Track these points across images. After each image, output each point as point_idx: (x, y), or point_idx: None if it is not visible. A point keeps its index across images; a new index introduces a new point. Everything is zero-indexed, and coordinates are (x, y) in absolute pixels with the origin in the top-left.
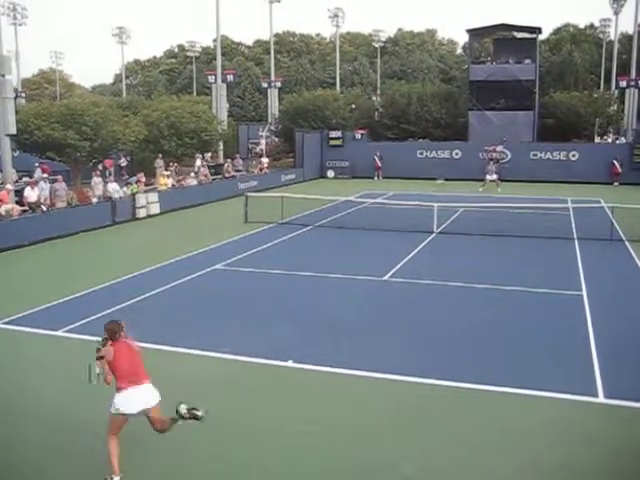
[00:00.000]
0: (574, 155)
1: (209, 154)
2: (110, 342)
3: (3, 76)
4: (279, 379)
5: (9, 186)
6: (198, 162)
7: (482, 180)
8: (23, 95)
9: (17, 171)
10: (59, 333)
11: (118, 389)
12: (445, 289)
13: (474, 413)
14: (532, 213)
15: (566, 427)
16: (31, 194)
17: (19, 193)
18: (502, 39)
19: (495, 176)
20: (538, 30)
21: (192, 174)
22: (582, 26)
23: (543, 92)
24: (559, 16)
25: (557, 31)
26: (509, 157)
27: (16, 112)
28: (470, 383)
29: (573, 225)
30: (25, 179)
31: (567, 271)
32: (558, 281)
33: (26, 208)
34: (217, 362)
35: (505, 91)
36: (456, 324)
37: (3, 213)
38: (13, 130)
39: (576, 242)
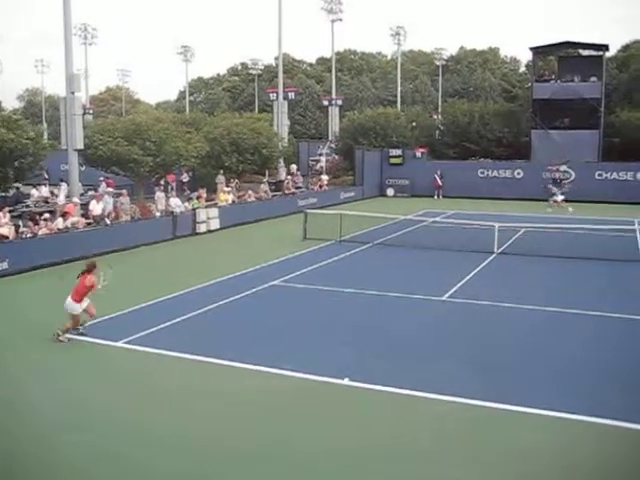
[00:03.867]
0: None
1: (293, 165)
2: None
3: (73, 93)
4: (334, 397)
5: (75, 199)
6: (282, 174)
7: (545, 201)
8: (91, 111)
9: (83, 185)
10: (119, 344)
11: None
12: (505, 311)
13: (538, 440)
14: (596, 234)
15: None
16: (96, 207)
17: (84, 206)
18: (567, 57)
19: (561, 197)
20: (605, 47)
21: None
22: None
23: (609, 111)
24: (628, 32)
25: (625, 48)
26: (573, 177)
27: (84, 128)
28: (529, 407)
29: None
30: (90, 193)
31: (632, 295)
32: (624, 305)
33: (91, 221)
34: (276, 378)
35: (569, 110)
36: (516, 347)
37: (69, 225)
38: (81, 145)
39: None
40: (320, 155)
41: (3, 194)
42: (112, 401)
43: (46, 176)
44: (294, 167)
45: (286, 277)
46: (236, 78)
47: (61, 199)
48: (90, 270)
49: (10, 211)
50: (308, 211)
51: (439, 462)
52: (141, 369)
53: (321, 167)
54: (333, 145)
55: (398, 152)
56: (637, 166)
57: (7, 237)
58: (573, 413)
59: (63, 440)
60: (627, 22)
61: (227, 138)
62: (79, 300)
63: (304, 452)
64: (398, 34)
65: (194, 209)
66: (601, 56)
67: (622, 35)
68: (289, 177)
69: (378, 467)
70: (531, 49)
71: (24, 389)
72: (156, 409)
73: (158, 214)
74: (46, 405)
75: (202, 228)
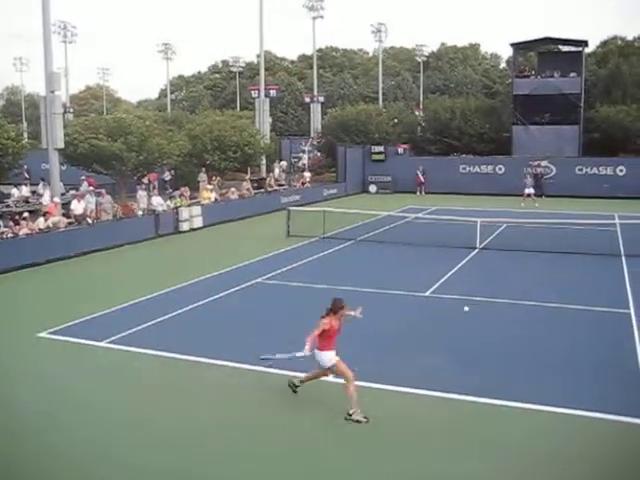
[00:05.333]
0: (621, 170)
1: (283, 162)
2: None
3: (53, 92)
4: (320, 394)
5: (56, 199)
6: (277, 170)
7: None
8: (71, 110)
9: (64, 184)
10: (102, 344)
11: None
12: (488, 305)
13: (519, 432)
14: (577, 229)
15: (628, 451)
16: (77, 207)
17: (66, 206)
18: (547, 53)
19: (532, 190)
20: (584, 43)
21: (273, 180)
22: (630, 38)
23: (589, 106)
24: (606, 28)
25: (604, 44)
26: (554, 172)
27: (64, 127)
28: (511, 401)
29: (620, 241)
30: (72, 192)
31: (614, 288)
32: (604, 298)
33: (72, 220)
34: (260, 376)
35: (550, 105)
36: (498, 341)
37: (50, 225)
38: (61, 144)
39: (623, 259)
40: (302, 152)
41: None
42: (101, 401)
43: (27, 175)
44: (284, 164)
45: (270, 274)
46: (217, 76)
47: (46, 199)
48: (334, 311)
49: None
50: (291, 208)
51: (435, 459)
52: (124, 368)
53: (303, 164)
54: (315, 142)
55: (380, 149)
56: (616, 161)
57: None
58: (567, 408)
59: (52, 439)
60: (606, 17)
61: (209, 136)
62: (321, 348)
63: (294, 449)
64: (379, 31)
65: (176, 207)
66: (580, 52)
67: (601, 31)
68: (272, 174)
69: (368, 464)
70: (511, 45)
71: (13, 389)
72: (145, 407)
73: (140, 213)
74: (29, 405)
75: (185, 226)
